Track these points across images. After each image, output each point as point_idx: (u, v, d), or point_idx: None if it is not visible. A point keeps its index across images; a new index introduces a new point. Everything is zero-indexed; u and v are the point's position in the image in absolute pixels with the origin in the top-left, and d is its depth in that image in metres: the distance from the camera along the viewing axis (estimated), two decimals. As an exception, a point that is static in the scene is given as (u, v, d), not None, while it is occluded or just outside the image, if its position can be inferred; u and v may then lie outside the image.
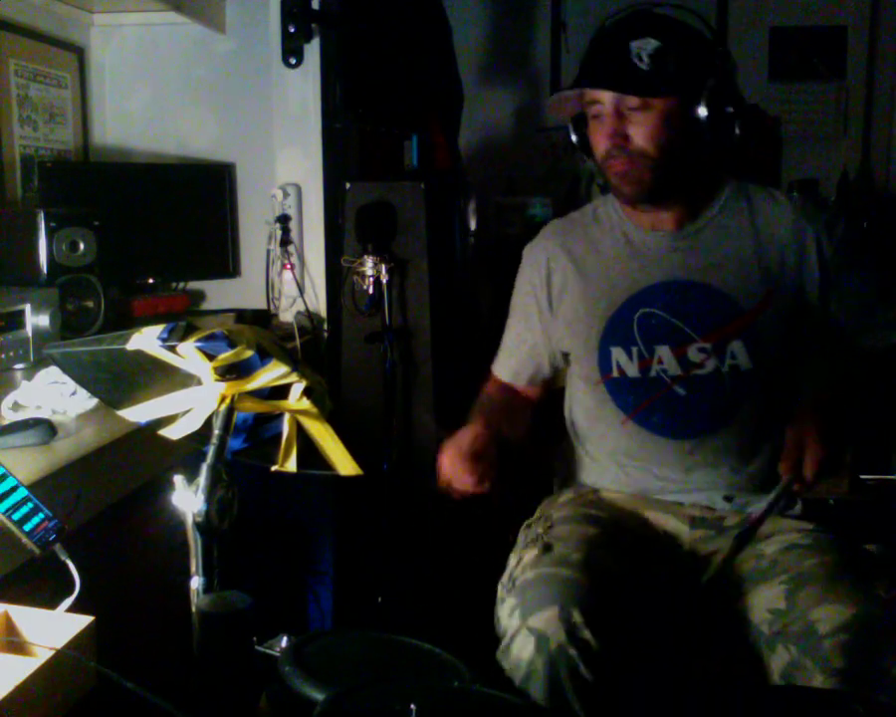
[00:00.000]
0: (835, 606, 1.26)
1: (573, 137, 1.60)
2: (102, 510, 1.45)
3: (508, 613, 1.30)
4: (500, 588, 1.41)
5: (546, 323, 1.66)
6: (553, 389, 1.74)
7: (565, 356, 1.67)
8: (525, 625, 1.26)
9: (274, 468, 1.05)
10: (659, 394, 1.54)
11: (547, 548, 1.40)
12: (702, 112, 1.45)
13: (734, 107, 1.45)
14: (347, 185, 2.28)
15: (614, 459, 1.59)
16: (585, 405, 1.64)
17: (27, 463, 1.29)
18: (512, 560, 1.47)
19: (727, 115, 1.45)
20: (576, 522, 1.49)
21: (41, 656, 0.94)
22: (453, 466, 1.44)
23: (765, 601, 1.36)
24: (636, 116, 1.44)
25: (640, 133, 1.44)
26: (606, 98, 1.45)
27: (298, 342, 2.35)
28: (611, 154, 1.47)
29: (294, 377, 0.95)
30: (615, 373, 1.56)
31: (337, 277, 2.37)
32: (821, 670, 1.21)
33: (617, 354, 1.55)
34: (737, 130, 1.47)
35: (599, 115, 1.47)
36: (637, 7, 1.52)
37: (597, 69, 1.47)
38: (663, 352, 1.53)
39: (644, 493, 1.56)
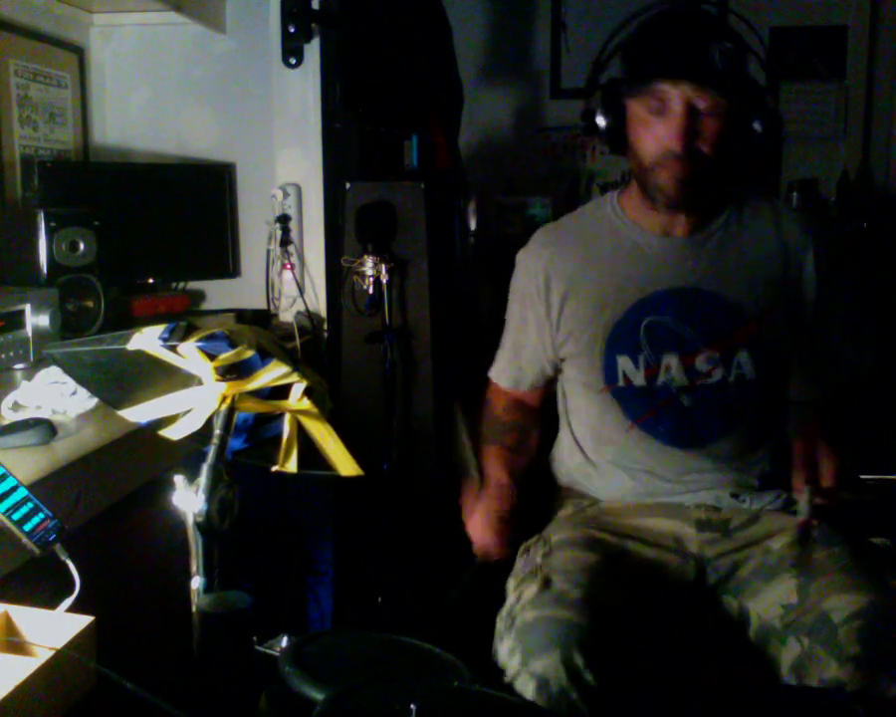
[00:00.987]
0: (850, 595, 1.27)
1: (602, 122, 1.50)
2: (102, 510, 1.45)
3: (507, 654, 1.28)
4: (498, 621, 1.38)
5: (543, 331, 1.62)
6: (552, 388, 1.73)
7: (563, 360, 1.65)
8: (525, 669, 1.24)
9: (274, 468, 1.05)
10: (665, 403, 1.52)
11: (545, 583, 1.37)
12: (757, 124, 1.45)
13: (777, 119, 1.46)
14: (347, 185, 2.28)
15: (618, 465, 1.58)
16: (588, 413, 1.62)
17: (27, 463, 1.29)
18: (510, 590, 1.44)
19: (773, 128, 1.46)
20: (576, 547, 1.46)
21: (41, 656, 0.94)
22: (484, 537, 1.54)
23: (776, 597, 1.36)
24: (705, 119, 1.40)
25: (707, 139, 1.40)
26: (678, 95, 1.38)
27: (298, 342, 2.35)
28: (676, 156, 1.40)
29: (294, 377, 0.95)
30: (621, 382, 1.54)
31: (338, 277, 2.37)
32: (836, 658, 1.21)
33: (623, 362, 1.53)
34: (771, 142, 1.47)
35: (661, 110, 1.40)
36: (677, 4, 1.50)
37: (679, 61, 1.40)
38: (671, 360, 1.51)
39: (648, 497, 1.55)
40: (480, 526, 1.54)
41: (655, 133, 1.42)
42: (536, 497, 1.69)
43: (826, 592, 1.29)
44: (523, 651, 1.25)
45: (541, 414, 1.72)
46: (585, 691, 1.22)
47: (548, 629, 1.26)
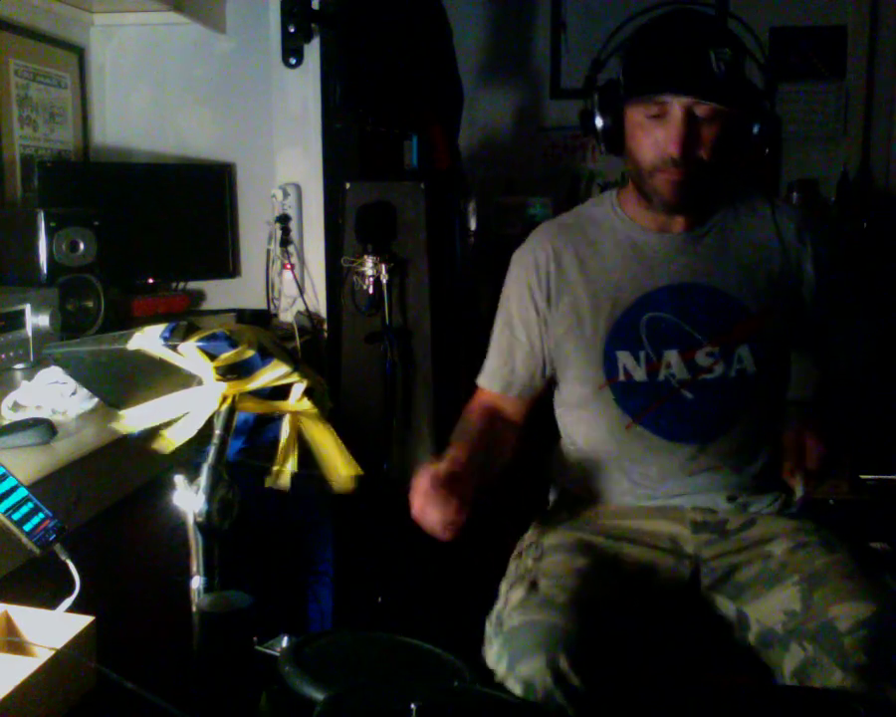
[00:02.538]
0: (855, 603, 1.26)
1: (601, 123, 1.50)
2: (102, 510, 1.45)
3: (495, 658, 1.27)
4: (487, 624, 1.37)
5: (541, 326, 1.60)
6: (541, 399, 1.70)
7: (556, 362, 1.63)
8: (512, 674, 1.23)
9: (274, 469, 1.05)
10: (666, 398, 1.52)
11: (533, 586, 1.36)
12: (756, 128, 1.46)
13: (775, 122, 1.47)
14: (347, 185, 2.28)
15: (616, 464, 1.57)
16: (585, 412, 1.61)
17: (27, 463, 1.29)
18: (501, 592, 1.43)
19: (772, 132, 1.47)
20: (567, 552, 1.45)
21: (41, 656, 0.94)
22: (422, 502, 1.31)
23: (778, 604, 1.35)
24: (704, 125, 1.40)
25: (706, 145, 1.41)
26: (678, 103, 1.39)
27: (298, 342, 2.35)
28: (674, 162, 1.41)
29: (295, 377, 0.95)
30: (621, 377, 1.53)
31: (337, 277, 2.37)
32: (840, 666, 1.20)
33: (624, 357, 1.53)
34: (768, 144, 1.48)
35: (660, 115, 1.41)
36: (675, 7, 1.50)
37: (678, 73, 1.41)
38: (672, 356, 1.51)
39: (645, 500, 1.55)
40: (418, 491, 1.33)
41: (654, 139, 1.43)
42: (532, 503, 1.69)
43: (831, 599, 1.29)
44: (509, 656, 1.25)
45: (518, 431, 1.65)
46: (571, 694, 1.21)
47: (533, 634, 1.26)
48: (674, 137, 1.40)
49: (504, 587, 1.44)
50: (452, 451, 1.45)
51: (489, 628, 1.36)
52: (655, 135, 1.43)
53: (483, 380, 1.68)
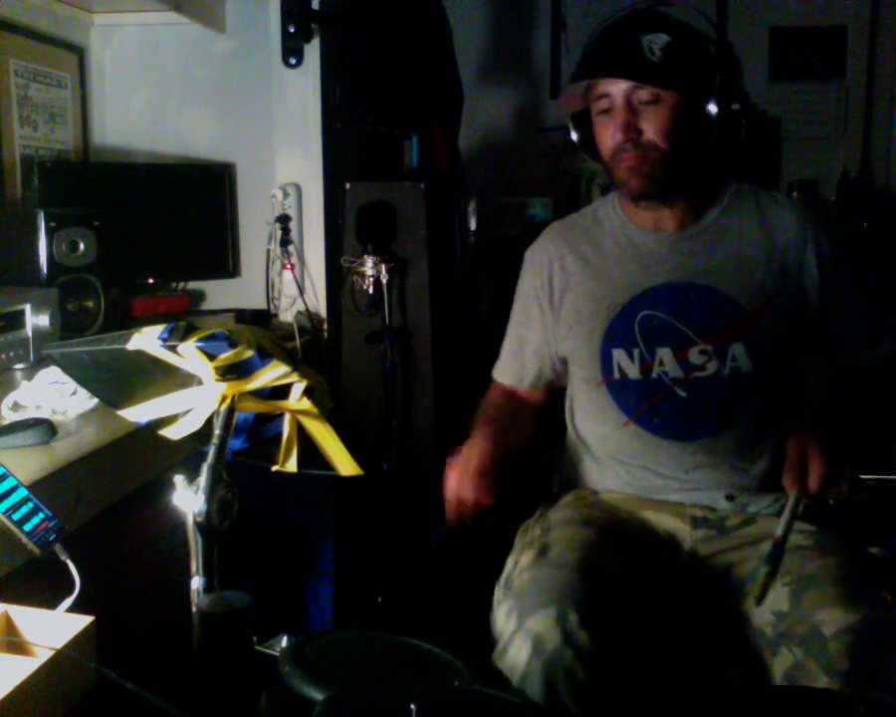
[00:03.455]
0: (841, 609, 1.26)
1: (574, 135, 1.60)
2: (102, 510, 1.45)
3: (504, 617, 1.29)
4: (496, 590, 1.41)
5: (547, 325, 1.65)
6: (555, 389, 1.74)
7: (564, 359, 1.66)
8: (521, 628, 1.25)
9: (274, 468, 1.05)
10: (660, 396, 1.54)
11: (543, 550, 1.39)
12: (711, 107, 1.47)
13: (740, 104, 1.47)
14: (347, 185, 2.28)
15: (616, 459, 1.59)
16: (587, 407, 1.64)
17: (27, 463, 1.29)
18: (509, 563, 1.46)
19: (734, 112, 1.47)
20: (574, 524, 1.48)
21: (41, 656, 0.95)
22: (459, 484, 1.40)
23: (769, 604, 1.35)
24: (647, 109, 1.45)
25: (651, 127, 1.45)
26: (617, 91, 1.45)
27: (298, 342, 2.35)
28: (623, 148, 1.46)
29: (294, 377, 0.95)
30: (616, 375, 1.55)
31: (338, 277, 2.37)
32: (826, 672, 1.20)
33: (619, 355, 1.55)
34: (742, 128, 1.48)
35: (609, 108, 1.47)
36: (640, 5, 1.53)
37: (609, 60, 1.48)
38: (664, 354, 1.52)
39: (645, 493, 1.56)
40: (454, 475, 1.42)
41: (606, 131, 1.49)
42: (536, 493, 1.70)
43: (819, 603, 1.29)
44: (519, 610, 1.27)
45: (537, 412, 1.72)
46: (580, 650, 1.23)
47: (543, 588, 1.28)
48: (616, 123, 1.46)
49: (510, 559, 1.47)
50: (479, 440, 1.47)
51: (497, 593, 1.39)
52: (606, 128, 1.48)
53: (496, 373, 1.75)
